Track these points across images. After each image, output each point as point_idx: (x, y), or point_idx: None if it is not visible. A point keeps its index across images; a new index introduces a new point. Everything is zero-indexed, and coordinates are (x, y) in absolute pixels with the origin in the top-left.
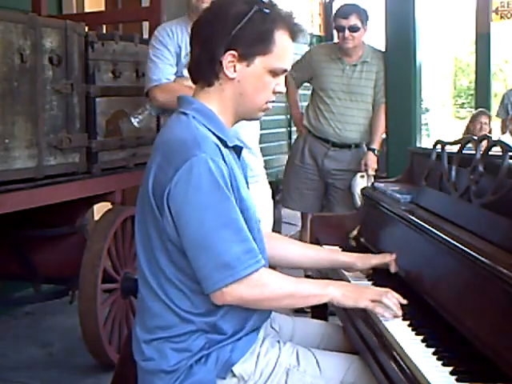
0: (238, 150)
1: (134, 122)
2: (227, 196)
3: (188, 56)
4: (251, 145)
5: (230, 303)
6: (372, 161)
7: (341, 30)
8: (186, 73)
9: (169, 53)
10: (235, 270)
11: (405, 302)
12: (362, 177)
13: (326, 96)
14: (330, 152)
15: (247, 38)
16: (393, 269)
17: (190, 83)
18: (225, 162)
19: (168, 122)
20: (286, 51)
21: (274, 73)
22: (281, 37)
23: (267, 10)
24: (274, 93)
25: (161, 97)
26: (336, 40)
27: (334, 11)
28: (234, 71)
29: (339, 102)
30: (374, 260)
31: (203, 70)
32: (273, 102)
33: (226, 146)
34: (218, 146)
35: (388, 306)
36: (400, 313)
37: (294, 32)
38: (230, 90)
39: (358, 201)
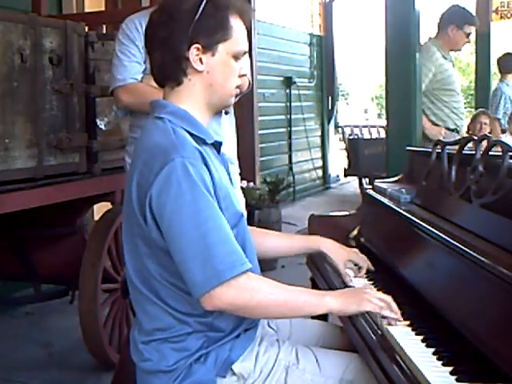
0: (217, 146)
1: (101, 124)
2: (207, 199)
3: None
4: (230, 155)
5: (221, 308)
6: None
7: (468, 36)
8: None
9: (137, 49)
10: (220, 272)
11: (399, 317)
12: None
13: (454, 92)
14: None
15: (206, 29)
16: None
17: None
18: (206, 163)
19: (145, 129)
20: (241, 33)
21: (236, 57)
22: (235, 20)
23: None
24: (240, 76)
25: (125, 98)
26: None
27: (334, 11)
28: (201, 63)
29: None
30: (342, 266)
31: (170, 70)
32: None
33: (204, 143)
34: (197, 148)
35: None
36: (401, 319)
37: (243, 13)
38: (200, 84)
39: None
